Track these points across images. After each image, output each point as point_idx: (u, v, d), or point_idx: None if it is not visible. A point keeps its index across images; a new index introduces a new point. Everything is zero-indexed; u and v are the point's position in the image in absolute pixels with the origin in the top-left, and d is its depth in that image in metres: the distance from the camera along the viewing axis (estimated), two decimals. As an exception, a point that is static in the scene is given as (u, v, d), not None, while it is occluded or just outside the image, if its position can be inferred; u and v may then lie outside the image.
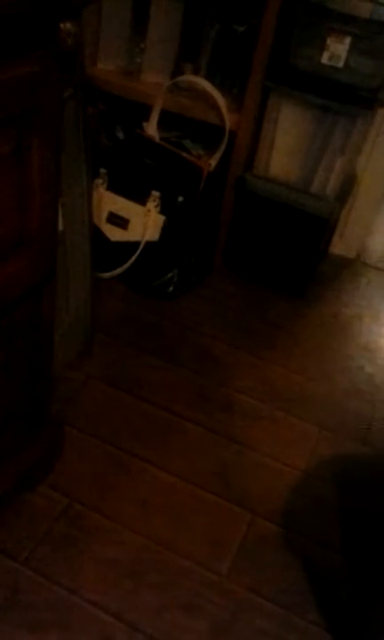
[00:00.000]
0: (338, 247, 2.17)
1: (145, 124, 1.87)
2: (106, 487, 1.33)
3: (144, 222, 1.82)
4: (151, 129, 1.86)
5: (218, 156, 1.84)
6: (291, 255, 1.93)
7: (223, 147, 1.83)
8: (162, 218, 1.81)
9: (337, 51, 1.60)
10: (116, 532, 1.25)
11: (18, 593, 1.13)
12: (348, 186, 1.96)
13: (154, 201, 1.80)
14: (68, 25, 0.82)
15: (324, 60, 1.63)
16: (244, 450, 1.46)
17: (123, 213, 1.85)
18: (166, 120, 1.86)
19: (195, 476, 1.38)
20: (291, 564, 1.25)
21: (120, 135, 1.88)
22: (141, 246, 1.83)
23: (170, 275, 1.87)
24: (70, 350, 1.57)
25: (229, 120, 1.79)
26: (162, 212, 1.81)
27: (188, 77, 1.85)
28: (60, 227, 1.30)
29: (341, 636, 1.15)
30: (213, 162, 1.84)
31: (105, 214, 1.87)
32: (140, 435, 1.46)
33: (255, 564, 1.24)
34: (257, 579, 1.22)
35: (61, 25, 0.81)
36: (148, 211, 1.81)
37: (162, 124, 1.86)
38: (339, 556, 1.29)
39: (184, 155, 1.82)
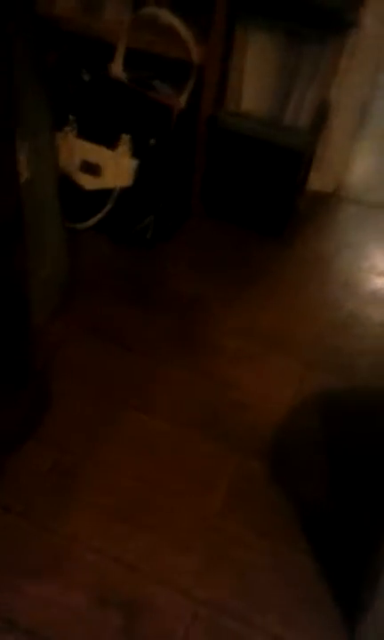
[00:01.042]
0: (316, 182, 2.12)
1: (110, 65, 1.80)
2: (95, 437, 1.36)
3: (116, 167, 1.78)
4: (117, 69, 1.80)
5: (187, 93, 1.78)
6: (268, 193, 1.90)
7: (192, 83, 1.77)
8: (134, 162, 1.77)
9: (302, -27, 1.53)
10: (108, 479, 1.28)
11: (15, 543, 1.17)
12: (322, 116, 1.91)
13: (125, 144, 1.76)
14: None
15: (290, -18, 1.56)
16: (230, 391, 1.48)
17: (94, 160, 1.81)
18: (133, 59, 1.79)
19: (182, 420, 1.41)
20: (279, 499, 1.29)
21: (85, 78, 1.81)
22: (116, 193, 1.80)
23: (147, 221, 1.84)
24: (49, 303, 1.57)
25: (197, 54, 1.73)
26: (134, 155, 1.77)
27: (151, 10, 1.77)
28: (26, 175, 1.27)
29: (329, 563, 1.20)
30: (183, 99, 1.78)
31: (78, 162, 1.83)
32: (127, 382, 1.47)
33: (245, 501, 1.28)
34: (247, 514, 1.26)
35: None
36: (120, 155, 1.77)
37: (128, 64, 1.79)
38: (326, 487, 1.32)
39: (152, 94, 1.76)
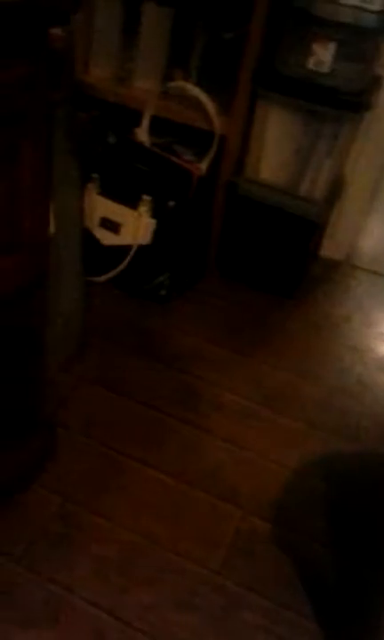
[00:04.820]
0: (328, 249, 2.19)
1: (136, 130, 1.89)
2: (99, 486, 1.35)
3: (135, 226, 1.84)
4: (142, 134, 1.89)
5: (208, 160, 1.86)
6: (281, 257, 1.95)
7: (213, 151, 1.85)
8: (153, 222, 1.83)
9: (322, 56, 1.63)
10: (109, 530, 1.27)
11: (12, 590, 1.15)
12: (336, 189, 1.99)
13: (145, 205, 1.82)
14: (57, 30, 0.85)
15: (310, 65, 1.66)
16: (234, 448, 1.48)
17: (114, 217, 1.87)
18: (158, 126, 1.89)
19: (186, 475, 1.40)
20: (281, 560, 1.27)
21: (112, 140, 1.90)
22: (133, 250, 1.85)
23: (162, 278, 1.89)
24: (62, 353, 1.59)
25: (219, 125, 1.82)
26: (153, 216, 1.83)
27: (178, 83, 1.88)
28: (52, 229, 1.32)
29: (330, 628, 1.17)
30: (204, 166, 1.86)
31: (97, 218, 1.90)
32: (133, 435, 1.48)
33: (246, 561, 1.26)
34: (248, 574, 1.23)
35: (50, 30, 0.84)
36: (140, 215, 1.83)
37: (153, 130, 1.89)
38: (328, 551, 1.30)
39: (174, 159, 1.85)
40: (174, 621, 1.14)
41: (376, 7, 1.52)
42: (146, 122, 1.88)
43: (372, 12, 1.53)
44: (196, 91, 1.83)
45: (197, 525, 1.31)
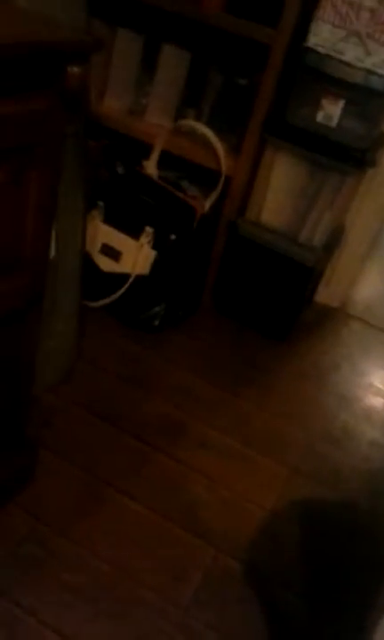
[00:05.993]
0: (323, 296, 2.22)
1: (145, 162, 1.93)
2: (75, 512, 1.34)
3: (136, 256, 1.87)
4: (151, 167, 1.93)
5: (213, 198, 1.90)
6: (276, 300, 1.98)
7: (218, 190, 1.89)
8: (153, 253, 1.86)
9: (331, 111, 1.68)
10: (81, 558, 1.26)
11: (-25, 612, 1.13)
12: (335, 238, 2.03)
13: (147, 236, 1.86)
14: (76, 69, 0.88)
15: (319, 118, 1.71)
16: (215, 486, 1.48)
17: (116, 245, 1.90)
18: (166, 160, 1.93)
19: (164, 509, 1.39)
20: (250, 602, 1.26)
21: (120, 170, 1.94)
22: (131, 279, 1.88)
23: (157, 309, 1.91)
24: (52, 375, 1.59)
25: (226, 166, 1.87)
26: (154, 247, 1.86)
27: (190, 122, 1.93)
28: (53, 253, 1.34)
29: None
30: (208, 204, 1.90)
31: (99, 245, 1.92)
32: (114, 463, 1.47)
33: (215, 600, 1.24)
34: (216, 614, 1.22)
35: (69, 68, 0.87)
36: (141, 245, 1.86)
37: (161, 164, 1.93)
38: (298, 597, 1.29)
39: (180, 195, 1.89)
40: (136, 657, 1.13)
41: (386, 71, 1.58)
42: (155, 155, 1.92)
43: (382, 75, 1.58)
44: (206, 130, 1.88)
45: (170, 560, 1.30)
